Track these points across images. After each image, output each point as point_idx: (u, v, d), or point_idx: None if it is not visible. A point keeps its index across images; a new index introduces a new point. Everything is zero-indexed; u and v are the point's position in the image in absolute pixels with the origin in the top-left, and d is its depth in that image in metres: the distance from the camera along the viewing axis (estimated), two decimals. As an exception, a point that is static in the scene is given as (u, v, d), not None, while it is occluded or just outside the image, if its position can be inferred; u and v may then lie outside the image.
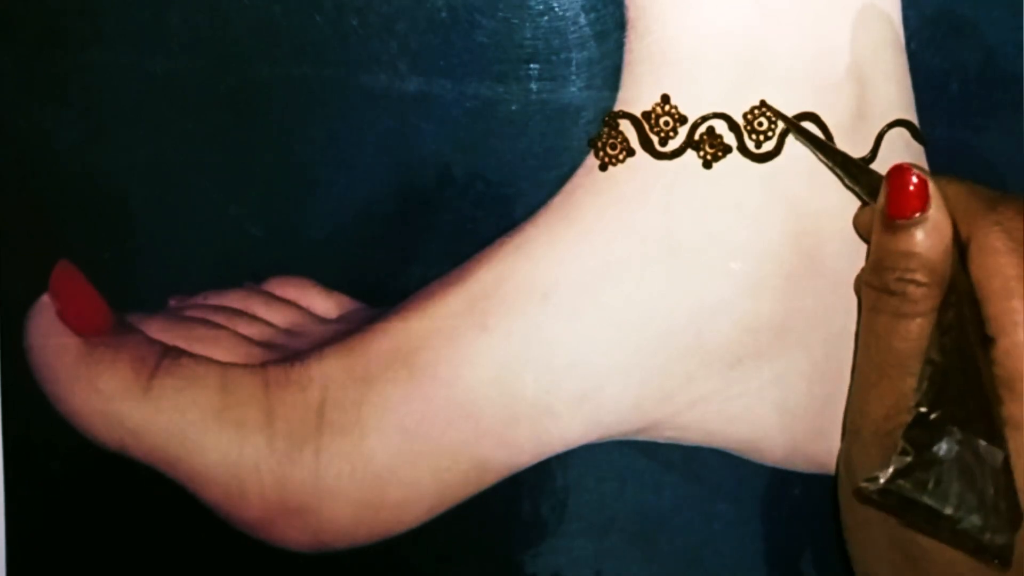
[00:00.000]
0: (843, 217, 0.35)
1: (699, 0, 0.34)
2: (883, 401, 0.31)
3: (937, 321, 0.30)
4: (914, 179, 0.31)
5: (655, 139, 0.34)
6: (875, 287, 0.31)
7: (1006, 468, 0.29)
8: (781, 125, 0.34)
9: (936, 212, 0.31)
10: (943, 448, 0.29)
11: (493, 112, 0.35)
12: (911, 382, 0.30)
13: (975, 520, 0.29)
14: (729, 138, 0.34)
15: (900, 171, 0.31)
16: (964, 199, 0.31)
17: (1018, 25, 0.36)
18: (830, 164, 0.34)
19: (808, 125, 0.34)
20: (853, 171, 0.33)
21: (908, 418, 0.30)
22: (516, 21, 0.35)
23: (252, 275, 0.38)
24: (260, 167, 0.36)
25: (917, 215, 0.31)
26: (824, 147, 0.34)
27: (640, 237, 0.34)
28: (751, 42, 0.34)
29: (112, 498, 0.36)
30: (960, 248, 0.31)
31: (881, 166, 0.34)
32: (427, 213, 0.36)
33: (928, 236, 0.31)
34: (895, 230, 0.31)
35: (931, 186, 0.31)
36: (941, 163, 0.36)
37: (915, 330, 0.30)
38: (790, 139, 0.34)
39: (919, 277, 0.30)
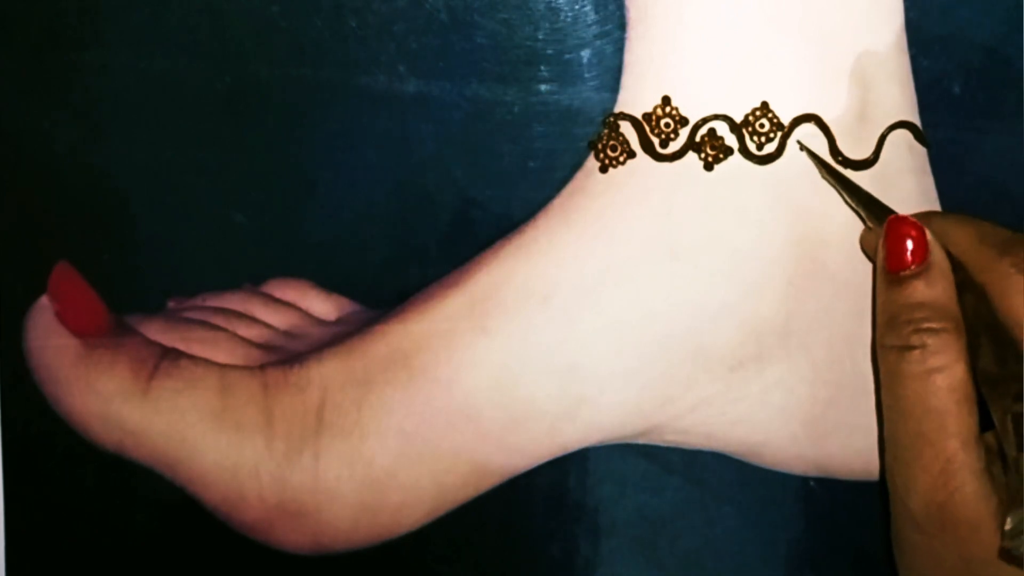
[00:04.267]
0: (846, 220, 0.34)
1: (700, 1, 0.33)
2: (928, 472, 0.29)
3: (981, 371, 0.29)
4: (912, 231, 0.31)
5: (656, 141, 0.34)
6: (895, 346, 0.30)
7: None
8: (783, 127, 0.34)
9: (935, 256, 0.31)
10: None
11: (492, 114, 0.35)
12: (954, 444, 0.29)
13: None
14: (730, 140, 0.34)
15: (896, 224, 0.31)
16: (974, 243, 0.31)
17: (1019, 26, 0.36)
18: (853, 203, 0.34)
19: (810, 127, 0.34)
20: (879, 213, 0.33)
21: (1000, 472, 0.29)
22: (516, 22, 0.35)
23: (251, 277, 0.38)
24: (259, 168, 0.36)
25: (916, 266, 0.31)
26: (849, 185, 0.34)
27: (641, 239, 0.34)
28: (752, 43, 0.34)
29: (111, 499, 0.36)
30: (975, 292, 0.31)
31: (883, 168, 0.34)
32: (427, 214, 0.36)
33: (932, 284, 0.30)
34: (900, 283, 0.31)
35: (928, 234, 0.31)
36: (943, 165, 0.35)
37: (945, 383, 0.29)
38: (792, 141, 0.34)
39: (934, 325, 0.30)
